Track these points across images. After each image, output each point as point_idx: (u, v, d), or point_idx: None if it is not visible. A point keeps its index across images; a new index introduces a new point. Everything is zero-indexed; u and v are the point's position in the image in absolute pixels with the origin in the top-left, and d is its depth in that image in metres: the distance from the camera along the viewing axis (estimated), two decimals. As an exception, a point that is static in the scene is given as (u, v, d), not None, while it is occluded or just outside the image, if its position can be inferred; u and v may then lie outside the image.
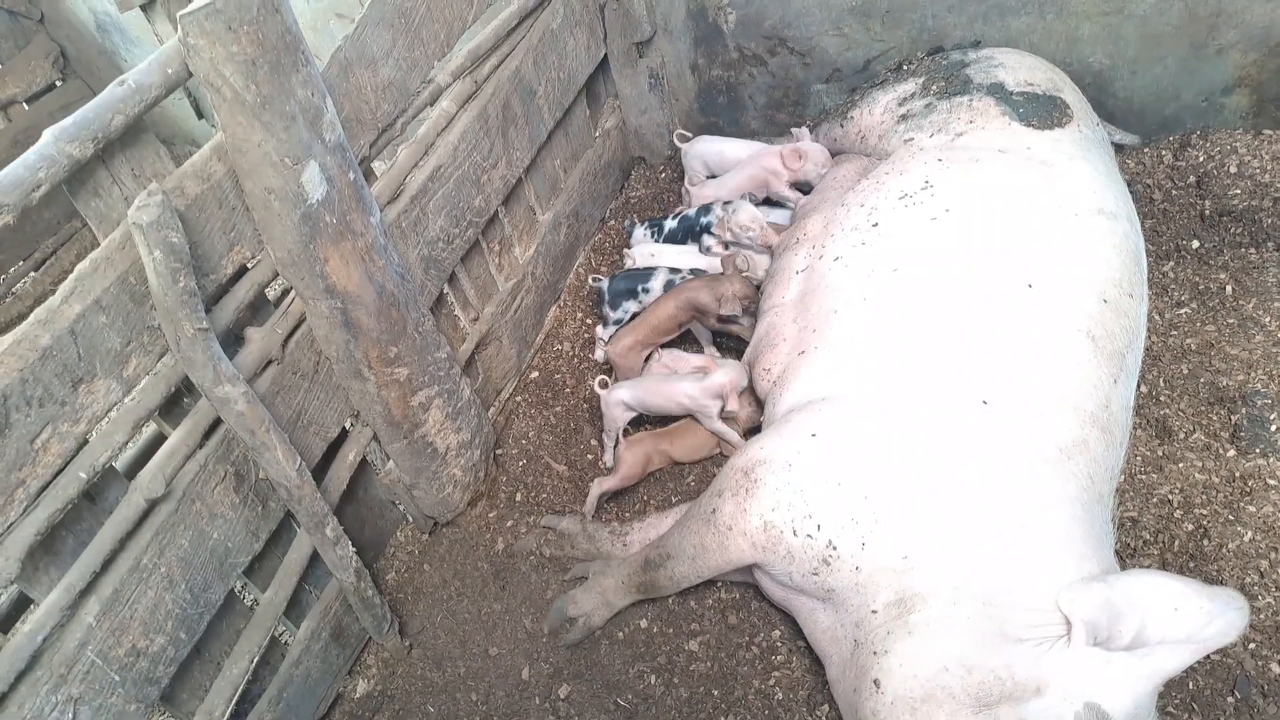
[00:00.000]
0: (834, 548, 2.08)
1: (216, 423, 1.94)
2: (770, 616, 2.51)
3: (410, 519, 2.83)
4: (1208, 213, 3.21)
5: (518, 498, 2.97)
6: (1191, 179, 3.35)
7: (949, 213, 2.59)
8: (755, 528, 2.20)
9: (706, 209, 3.35)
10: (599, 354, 3.39)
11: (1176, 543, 2.36)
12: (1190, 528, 2.39)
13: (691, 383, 2.80)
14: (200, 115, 2.05)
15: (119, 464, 1.98)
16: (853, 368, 2.36)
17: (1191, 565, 2.31)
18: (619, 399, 2.91)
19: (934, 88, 3.15)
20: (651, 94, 3.94)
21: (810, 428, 2.26)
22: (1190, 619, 1.78)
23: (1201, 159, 3.38)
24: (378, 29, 2.35)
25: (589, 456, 3.10)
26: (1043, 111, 2.89)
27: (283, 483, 2.04)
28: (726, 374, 2.74)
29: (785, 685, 2.34)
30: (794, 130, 3.56)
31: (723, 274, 3.09)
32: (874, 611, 2.03)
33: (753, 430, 2.93)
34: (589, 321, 3.55)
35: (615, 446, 2.92)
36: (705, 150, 3.68)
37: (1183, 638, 1.77)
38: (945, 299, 2.39)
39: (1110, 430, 2.22)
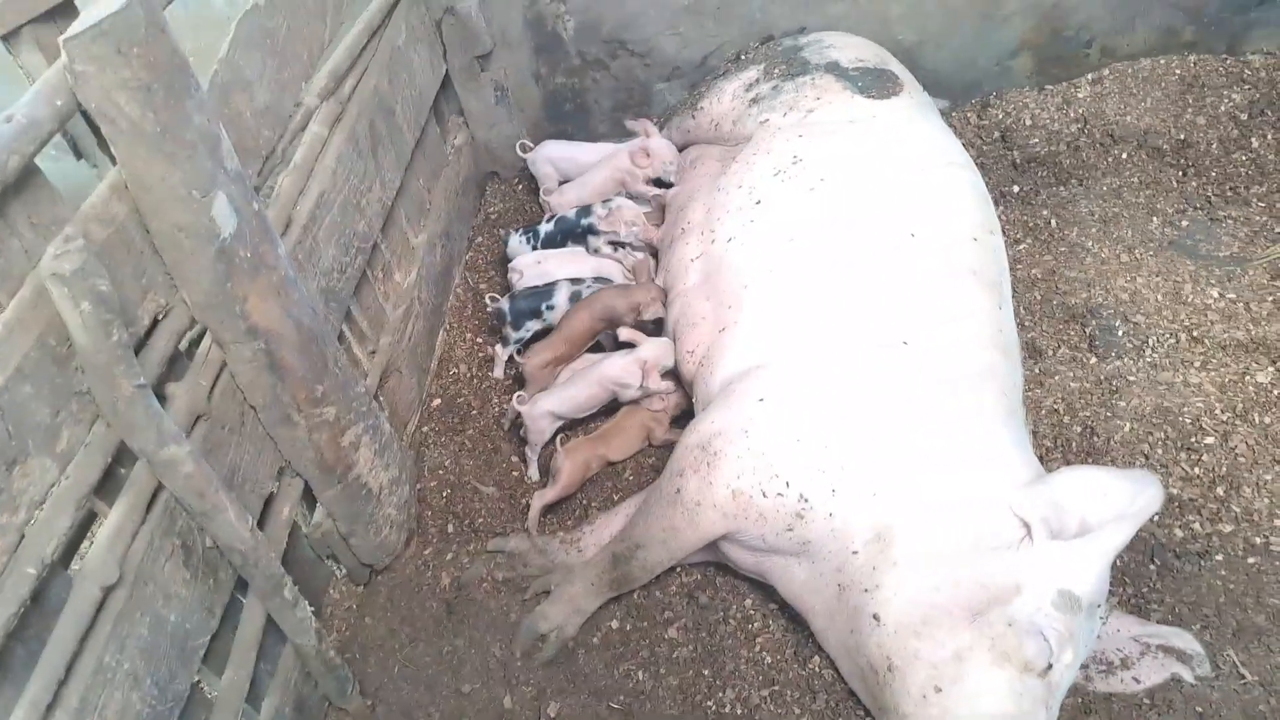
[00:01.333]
0: (805, 500, 2.17)
1: (156, 492, 1.73)
2: (738, 588, 2.56)
3: (343, 572, 2.64)
4: (1018, 161, 3.64)
5: (450, 529, 2.85)
6: (996, 134, 3.79)
7: (824, 181, 2.77)
8: (724, 498, 2.25)
9: (586, 210, 3.36)
10: (498, 372, 3.32)
11: (1072, 444, 2.66)
12: (1079, 429, 2.69)
13: (620, 356, 2.82)
14: (79, 155, 1.80)
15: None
16: (779, 333, 2.47)
17: (1089, 460, 2.60)
18: (545, 410, 2.86)
19: (776, 71, 3.35)
20: (498, 107, 3.91)
21: (756, 394, 2.34)
22: (1119, 499, 2.01)
23: (1001, 116, 3.83)
24: (248, 50, 2.20)
25: (514, 474, 3.02)
26: (878, 83, 3.16)
27: (237, 546, 1.84)
28: (652, 349, 2.78)
29: (771, 648, 2.40)
30: (629, 124, 3.66)
31: (632, 283, 3.10)
32: (855, 552, 2.13)
33: (678, 420, 2.98)
34: (479, 341, 3.47)
35: (546, 458, 2.87)
36: (553, 154, 3.72)
37: (1118, 515, 2.00)
38: (844, 258, 2.56)
39: (1008, 351, 2.47)
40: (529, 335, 3.24)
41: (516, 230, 3.51)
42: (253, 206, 1.94)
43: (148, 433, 1.60)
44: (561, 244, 3.41)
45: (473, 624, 2.56)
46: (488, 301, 3.27)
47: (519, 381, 3.23)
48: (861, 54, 3.32)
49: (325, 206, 2.50)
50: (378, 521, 2.53)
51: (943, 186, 2.74)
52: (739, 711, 2.28)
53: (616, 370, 2.85)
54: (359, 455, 2.38)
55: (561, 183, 3.73)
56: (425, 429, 3.14)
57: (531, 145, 3.76)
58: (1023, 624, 1.92)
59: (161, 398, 1.82)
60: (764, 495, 2.21)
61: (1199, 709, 2.03)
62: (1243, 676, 2.05)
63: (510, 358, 3.23)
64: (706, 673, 2.39)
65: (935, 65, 3.75)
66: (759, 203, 2.82)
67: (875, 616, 2.04)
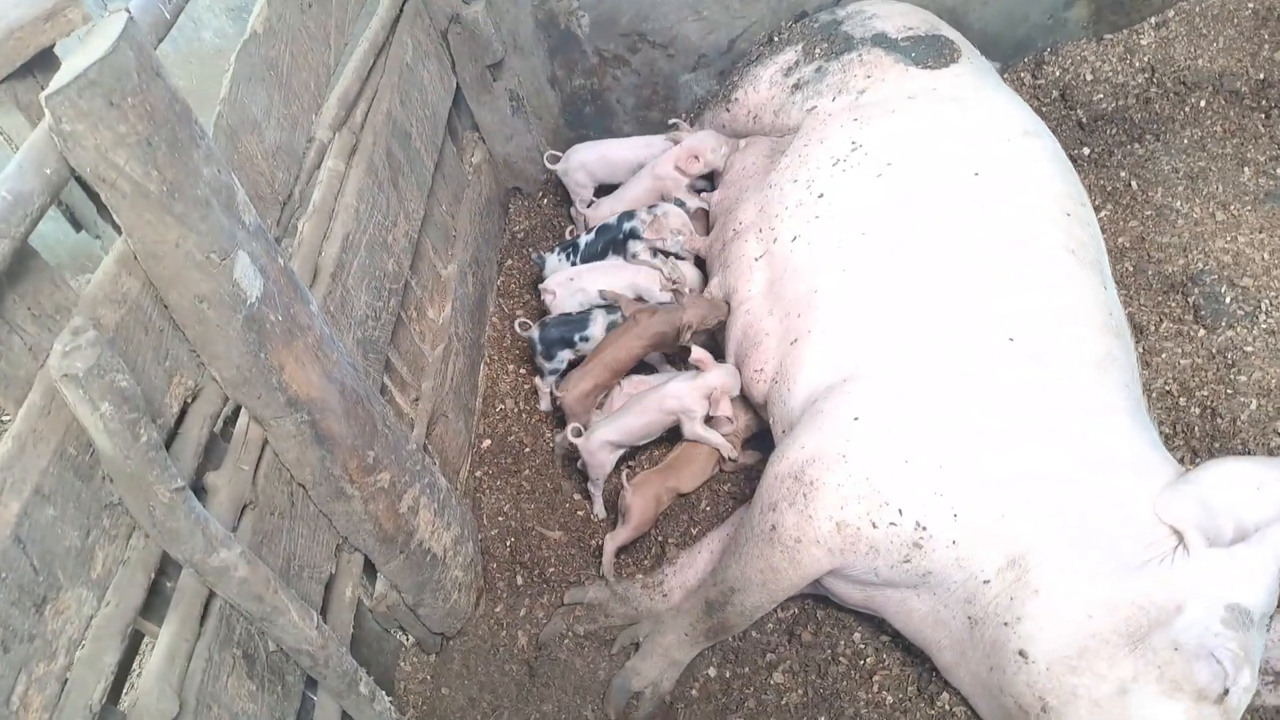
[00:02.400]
0: (923, 528, 1.93)
1: (207, 601, 1.52)
2: (843, 621, 2.33)
3: (412, 641, 2.43)
4: (1084, 121, 3.36)
5: (519, 581, 2.63)
6: (1055, 93, 3.51)
7: (891, 166, 2.52)
8: (827, 532, 2.01)
9: (629, 215, 3.12)
10: (544, 405, 3.10)
11: (1194, 429, 2.40)
12: (1197, 412, 2.43)
13: (682, 382, 2.59)
14: (78, 226, 1.60)
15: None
16: (864, 340, 2.23)
17: (1217, 446, 2.35)
18: (602, 441, 2.63)
19: (817, 51, 3.09)
20: (515, 118, 3.67)
21: (849, 411, 2.09)
22: (1276, 492, 1.76)
23: (1058, 74, 3.54)
24: (251, 86, 1.97)
25: (579, 514, 2.80)
26: (933, 52, 2.89)
27: (304, 648, 1.63)
28: (720, 376, 2.55)
29: (890, 686, 2.17)
30: (673, 124, 3.43)
31: (673, 303, 2.86)
32: (987, 582, 1.89)
33: (749, 442, 2.75)
34: (523, 372, 3.24)
35: (611, 492, 2.64)
36: (587, 159, 3.45)
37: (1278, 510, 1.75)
38: (925, 249, 2.31)
39: (1121, 335, 2.21)
40: (563, 366, 3.01)
41: (552, 250, 3.26)
42: (278, 262, 1.72)
43: (193, 540, 1.38)
44: (603, 255, 3.16)
45: (559, 686, 2.35)
46: (518, 329, 3.04)
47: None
48: (908, 21, 3.05)
49: (352, 249, 2.28)
50: (445, 587, 2.31)
51: (1023, 159, 2.48)
52: (866, 765, 2.05)
53: (681, 398, 2.61)
54: (419, 519, 2.17)
55: (597, 190, 3.48)
56: (479, 474, 2.92)
57: (559, 155, 3.51)
58: (1191, 647, 1.68)
59: (200, 491, 1.62)
60: (874, 526, 1.97)
61: (1398, 726, 1.77)
62: None
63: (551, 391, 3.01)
64: (823, 719, 2.16)
65: (983, 24, 3.48)
66: (821, 196, 2.57)
67: (1021, 653, 1.80)
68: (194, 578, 1.48)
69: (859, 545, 1.99)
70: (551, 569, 2.62)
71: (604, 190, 3.54)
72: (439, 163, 3.13)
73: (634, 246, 3.10)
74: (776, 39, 3.36)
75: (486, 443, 3.01)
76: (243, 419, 1.74)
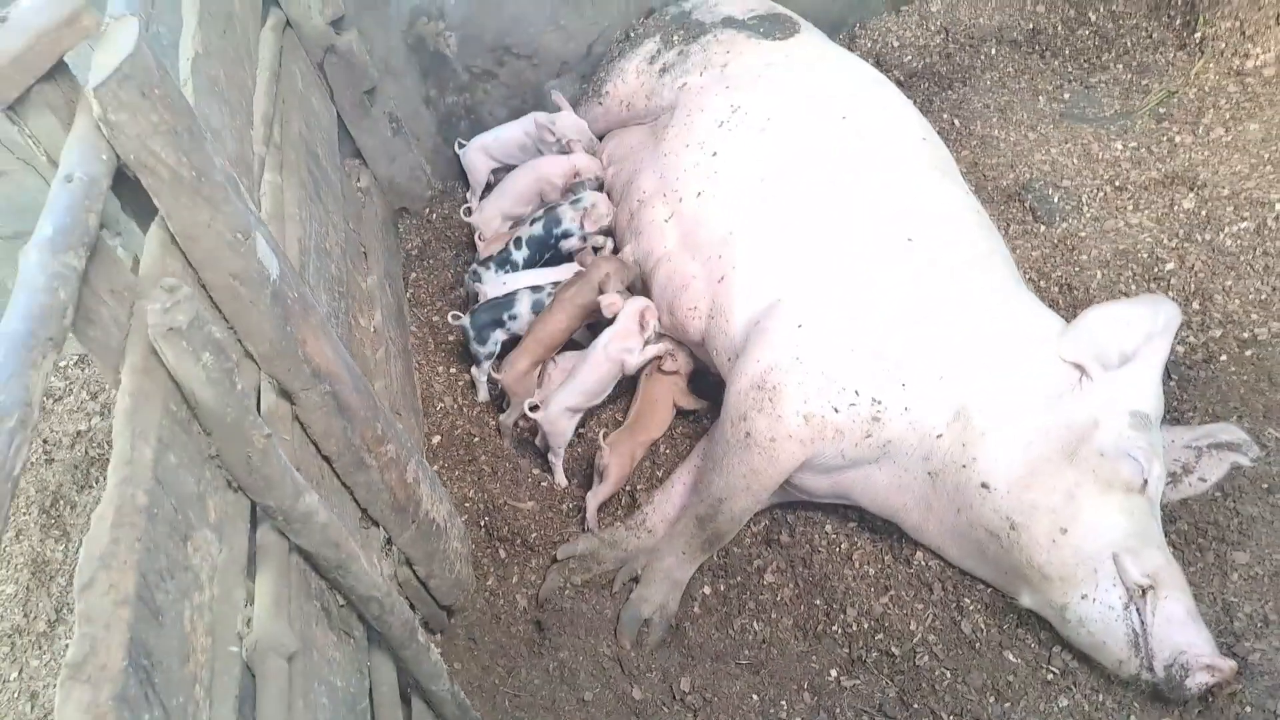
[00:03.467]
0: (878, 402, 2.25)
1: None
2: (812, 518, 2.61)
3: (419, 619, 2.48)
4: (901, 79, 3.89)
5: (502, 554, 2.73)
6: (871, 60, 4.01)
7: (770, 120, 2.87)
8: (797, 426, 2.28)
9: (555, 220, 3.29)
10: (482, 394, 3.22)
11: (1059, 303, 2.88)
12: (1057, 289, 2.92)
13: (608, 334, 2.80)
14: (101, 225, 1.59)
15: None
16: (788, 264, 2.53)
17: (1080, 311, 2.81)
18: (561, 409, 2.80)
19: (675, 38, 3.43)
20: (396, 139, 3.78)
21: (792, 321, 2.39)
22: (1142, 321, 2.22)
23: (869, 44, 4.08)
24: (208, 98, 2.04)
25: (544, 485, 2.94)
26: (778, 26, 3.30)
27: (374, 594, 1.71)
28: (637, 302, 2.79)
29: (869, 560, 2.46)
30: (550, 88, 3.72)
31: (586, 266, 3.08)
32: (939, 436, 2.23)
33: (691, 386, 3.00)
34: (453, 371, 3.34)
35: (569, 460, 2.80)
36: (484, 141, 3.72)
37: (1148, 335, 2.19)
38: (821, 181, 2.65)
39: (992, 230, 2.65)
40: (497, 349, 3.15)
41: (485, 265, 3.37)
42: (280, 247, 1.81)
43: (284, 486, 1.46)
44: (545, 263, 3.33)
45: (570, 633, 2.47)
46: (450, 320, 3.16)
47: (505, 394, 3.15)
48: (748, 4, 3.46)
49: (306, 253, 2.36)
50: (449, 557, 2.39)
51: (879, 101, 2.90)
52: (866, 625, 2.32)
53: (615, 340, 2.82)
54: (422, 490, 2.26)
55: (495, 170, 3.73)
56: (436, 468, 2.99)
57: (465, 143, 3.76)
58: (1112, 451, 2.08)
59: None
60: (836, 411, 2.26)
61: (1265, 485, 2.25)
62: (1287, 445, 2.30)
63: (490, 376, 3.14)
64: (819, 602, 2.42)
65: (800, 8, 3.89)
66: (715, 154, 2.88)
67: (984, 485, 2.14)
68: (274, 534, 1.54)
69: (826, 431, 2.27)
70: (533, 534, 2.74)
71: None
72: (341, 184, 3.21)
73: (569, 244, 3.29)
74: (633, 35, 3.67)
75: (436, 439, 3.09)
76: (265, 399, 1.80)
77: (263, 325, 1.67)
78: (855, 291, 2.39)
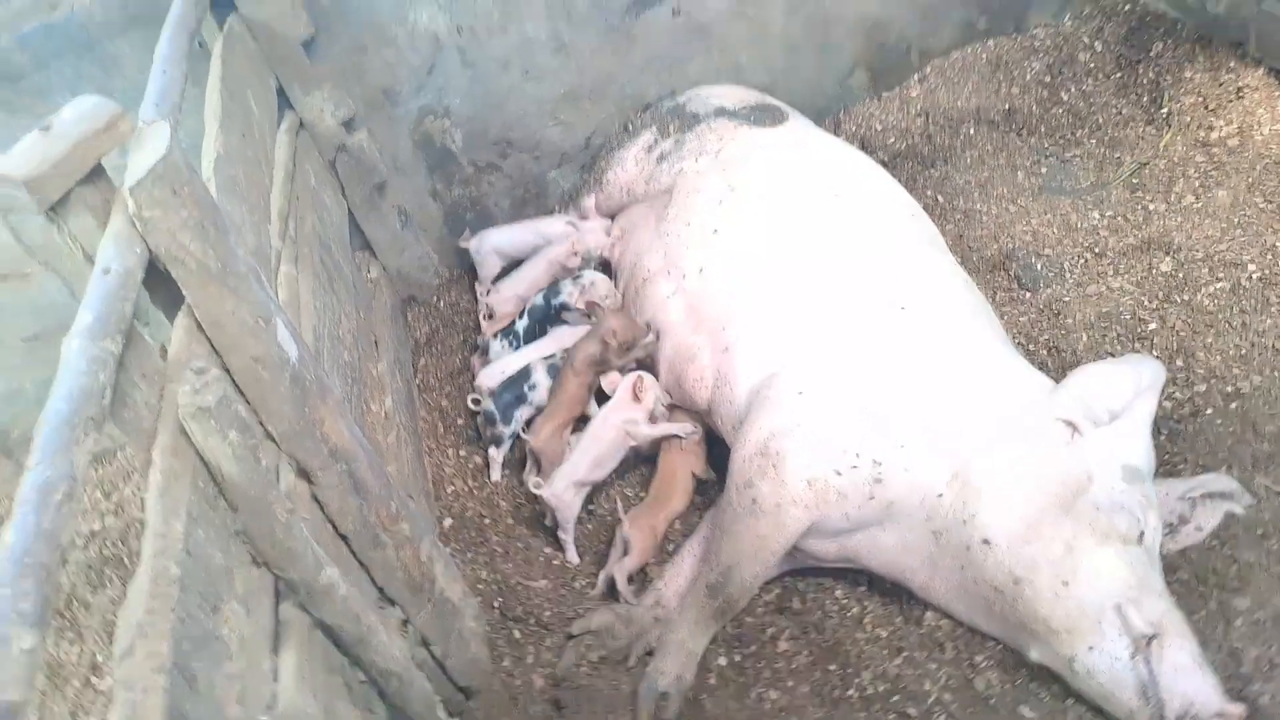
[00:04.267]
0: (879, 464, 2.30)
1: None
2: (822, 584, 2.64)
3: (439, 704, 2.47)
4: (885, 160, 4.06)
5: (517, 635, 2.74)
6: (857, 143, 4.21)
7: (765, 199, 3.02)
8: (801, 491, 2.34)
9: (555, 291, 3.43)
10: (495, 475, 3.28)
11: (1048, 364, 2.96)
12: (1045, 352, 3.01)
13: (610, 408, 2.87)
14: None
15: None
16: (789, 334, 2.63)
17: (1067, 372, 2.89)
18: (567, 483, 2.85)
19: (671, 128, 3.62)
20: (405, 231, 3.94)
21: (793, 389, 2.47)
22: (1128, 379, 2.31)
23: (854, 128, 4.28)
24: (229, 196, 2.17)
25: (555, 563, 2.97)
26: (768, 115, 3.49)
27: (394, 669, 1.74)
28: (627, 376, 2.88)
29: (881, 623, 2.47)
30: (586, 207, 3.87)
31: (590, 323, 3.18)
32: (940, 495, 2.28)
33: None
34: (462, 454, 3.40)
35: (616, 528, 2.82)
36: (498, 241, 3.83)
37: (1135, 392, 2.28)
38: (818, 255, 2.77)
39: (980, 298, 2.76)
40: (520, 426, 3.23)
41: (495, 338, 3.49)
42: (298, 331, 1.91)
43: (305, 559, 1.52)
44: (544, 332, 3.45)
45: (588, 710, 2.47)
46: (471, 405, 3.24)
47: (518, 474, 3.21)
48: (739, 96, 3.66)
49: (320, 340, 2.46)
50: (465, 636, 2.41)
51: (868, 179, 3.06)
52: (881, 688, 2.33)
53: (614, 412, 2.90)
54: (436, 569, 2.29)
55: (505, 267, 3.84)
56: (449, 549, 3.02)
57: (472, 235, 3.88)
58: (1106, 504, 2.13)
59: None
60: (838, 474, 2.32)
61: (1259, 531, 2.29)
62: (1279, 493, 2.34)
63: (513, 449, 3.21)
64: (833, 668, 2.42)
65: (789, 98, 4.14)
66: (715, 231, 3.02)
67: (985, 541, 2.18)
68: (295, 610, 1.59)
69: (829, 495, 2.33)
70: (547, 613, 2.76)
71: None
72: (353, 275, 3.34)
73: (568, 317, 3.41)
74: (630, 127, 3.87)
75: (448, 522, 3.13)
76: (284, 479, 1.86)
77: (283, 406, 1.75)
78: (853, 358, 2.48)
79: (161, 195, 1.51)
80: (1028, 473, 2.21)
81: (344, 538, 1.99)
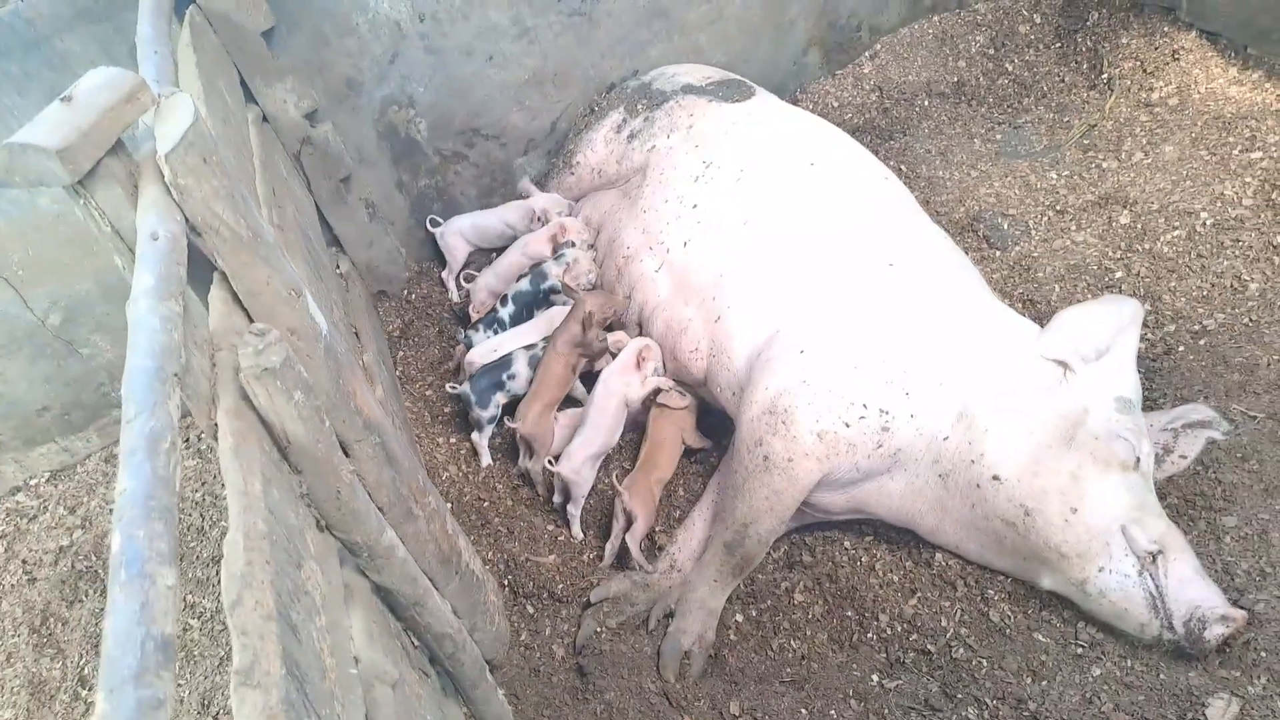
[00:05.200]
0: (886, 412, 2.39)
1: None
2: (829, 537, 2.70)
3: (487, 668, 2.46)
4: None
5: (530, 610, 2.75)
6: (815, 120, 4.32)
7: (744, 171, 3.08)
8: (812, 444, 2.40)
9: (542, 276, 3.42)
10: (485, 459, 3.26)
11: (1027, 315, 3.07)
12: (1021, 305, 3.14)
13: (608, 370, 2.93)
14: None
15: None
16: (782, 297, 2.70)
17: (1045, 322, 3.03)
18: (583, 458, 2.87)
19: (639, 107, 3.66)
20: (373, 224, 3.88)
21: (794, 348, 2.54)
22: (1110, 317, 2.43)
23: (811, 105, 4.39)
24: (230, 177, 2.12)
25: (560, 539, 2.98)
26: (735, 91, 3.56)
27: (448, 632, 1.74)
28: (634, 340, 2.95)
29: (892, 567, 2.55)
30: (524, 187, 3.89)
31: (571, 305, 3.20)
32: (946, 438, 2.37)
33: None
34: (452, 441, 3.38)
35: (615, 499, 2.84)
36: (462, 226, 3.85)
37: (1118, 329, 2.40)
38: (799, 220, 2.85)
39: (959, 253, 2.87)
40: (498, 412, 3.23)
41: (474, 329, 3.48)
42: (323, 304, 1.89)
43: (369, 520, 1.51)
44: (530, 317, 3.45)
45: (612, 674, 2.49)
46: (449, 390, 3.23)
47: (511, 457, 3.21)
48: (704, 73, 3.72)
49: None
50: (489, 609, 2.41)
51: (840, 147, 3.14)
52: (899, 628, 2.41)
53: (615, 375, 2.94)
54: (460, 542, 2.29)
55: (472, 252, 3.89)
56: (450, 533, 3.01)
57: (440, 220, 3.88)
58: (1104, 433, 2.25)
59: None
60: (847, 425, 2.39)
61: (1239, 454, 2.44)
62: (1253, 417, 2.50)
63: (498, 433, 3.21)
64: (850, 613, 2.50)
65: (747, 74, 4.24)
66: (695, 206, 3.07)
67: (995, 477, 2.28)
68: (356, 574, 1.58)
69: (839, 445, 2.40)
70: (559, 586, 2.77)
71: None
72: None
73: (556, 299, 3.42)
74: (597, 108, 3.90)
75: (448, 507, 3.10)
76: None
77: (320, 377, 1.73)
78: (849, 315, 2.56)
79: (194, 163, 1.49)
80: (1029, 410, 2.32)
81: (380, 510, 1.97)
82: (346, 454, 1.85)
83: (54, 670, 3.19)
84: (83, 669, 3.28)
